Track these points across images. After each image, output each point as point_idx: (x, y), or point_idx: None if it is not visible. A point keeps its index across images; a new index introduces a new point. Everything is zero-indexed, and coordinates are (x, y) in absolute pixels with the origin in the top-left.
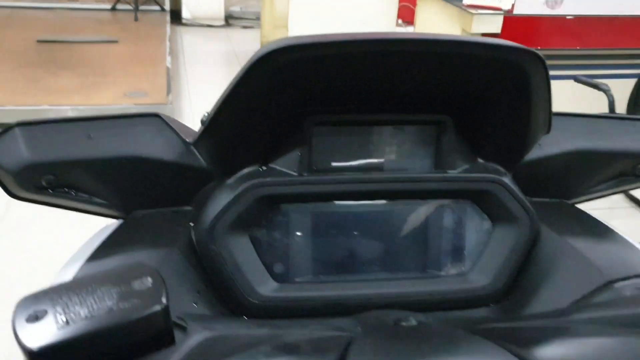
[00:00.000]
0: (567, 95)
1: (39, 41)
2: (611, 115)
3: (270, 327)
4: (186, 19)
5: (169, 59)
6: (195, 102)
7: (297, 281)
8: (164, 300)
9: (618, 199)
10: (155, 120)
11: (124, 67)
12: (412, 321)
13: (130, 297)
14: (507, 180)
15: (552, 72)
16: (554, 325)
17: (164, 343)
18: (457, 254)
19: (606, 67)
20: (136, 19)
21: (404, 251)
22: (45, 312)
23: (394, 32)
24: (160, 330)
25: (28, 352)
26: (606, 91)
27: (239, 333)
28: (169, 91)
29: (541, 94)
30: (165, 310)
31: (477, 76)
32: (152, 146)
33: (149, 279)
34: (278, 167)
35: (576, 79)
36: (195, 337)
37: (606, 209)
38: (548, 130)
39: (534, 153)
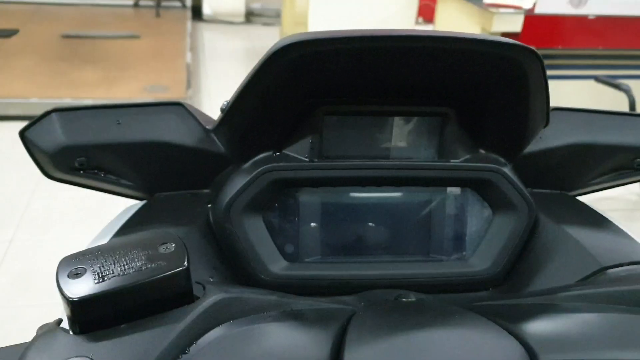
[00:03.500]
0: (587, 95)
1: (64, 36)
2: (611, 111)
3: (280, 296)
4: (207, 15)
5: (189, 54)
6: (214, 97)
7: (306, 261)
8: (185, 263)
9: (638, 201)
10: (178, 108)
11: (145, 62)
12: (412, 297)
13: (156, 259)
14: (507, 170)
15: (573, 72)
16: (544, 302)
17: (184, 301)
18: (459, 239)
19: (628, 68)
20: (158, 15)
21: (408, 236)
22: (84, 270)
23: (404, 29)
24: (182, 289)
25: (70, 302)
26: (627, 91)
27: (250, 297)
28: (188, 86)
29: (539, 89)
30: (186, 271)
31: (479, 71)
32: (175, 132)
33: (173, 245)
34: (291, 154)
35: (597, 78)
36: (212, 297)
37: (627, 210)
38: (546, 124)
39: (536, 145)
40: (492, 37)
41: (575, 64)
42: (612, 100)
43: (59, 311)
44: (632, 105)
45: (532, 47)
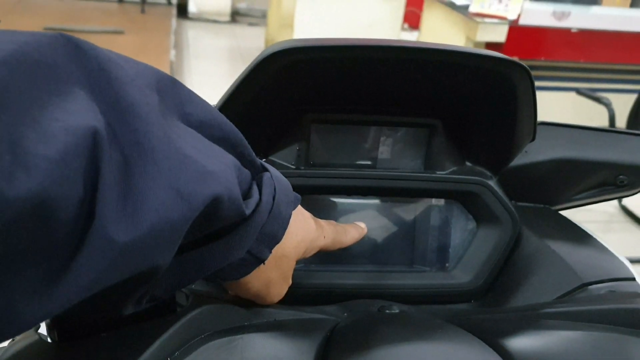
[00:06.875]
0: (568, 107)
1: (47, 29)
2: (596, 128)
3: (263, 305)
4: (192, 14)
5: (173, 52)
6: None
7: None
8: None
9: (615, 213)
10: None
11: None
12: (395, 309)
13: None
14: (492, 183)
15: (554, 84)
16: (526, 318)
17: (167, 310)
18: (442, 251)
19: (609, 82)
20: (143, 11)
21: (392, 246)
22: None
23: (393, 39)
24: (164, 299)
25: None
26: (607, 105)
27: (233, 307)
28: None
29: (527, 104)
30: None
31: (468, 84)
32: None
33: None
34: (277, 160)
35: (578, 91)
36: (196, 308)
37: (603, 222)
38: (533, 138)
39: (521, 159)
40: (482, 51)
41: (557, 75)
42: (592, 113)
43: None
44: (612, 119)
45: (522, 63)
